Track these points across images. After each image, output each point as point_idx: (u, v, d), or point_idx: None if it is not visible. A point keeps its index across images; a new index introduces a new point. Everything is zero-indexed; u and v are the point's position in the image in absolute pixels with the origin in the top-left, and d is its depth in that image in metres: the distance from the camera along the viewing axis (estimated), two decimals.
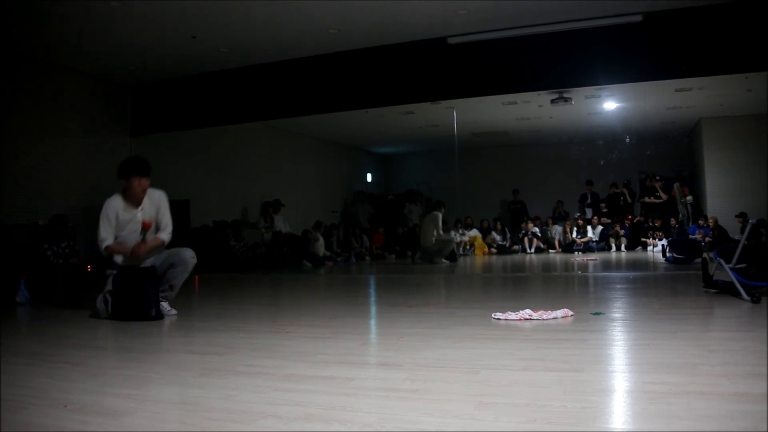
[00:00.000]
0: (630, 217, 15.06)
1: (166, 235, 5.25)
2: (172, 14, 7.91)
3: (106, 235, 5.07)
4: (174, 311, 5.11)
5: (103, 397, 2.51)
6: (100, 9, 7.57)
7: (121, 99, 11.07)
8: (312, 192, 15.47)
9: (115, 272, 5.12)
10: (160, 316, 4.81)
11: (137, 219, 5.14)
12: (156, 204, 5.25)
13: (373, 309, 5.55)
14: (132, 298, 4.83)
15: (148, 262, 5.19)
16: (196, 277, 9.55)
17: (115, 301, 4.94)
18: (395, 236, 15.58)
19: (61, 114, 9.80)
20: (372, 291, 7.37)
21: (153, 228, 5.22)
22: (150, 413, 2.29)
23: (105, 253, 5.12)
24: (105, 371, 3.05)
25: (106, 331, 4.47)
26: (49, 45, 8.90)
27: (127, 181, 5.11)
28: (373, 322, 4.68)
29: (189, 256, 5.23)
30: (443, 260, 11.57)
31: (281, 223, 13.06)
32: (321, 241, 13.01)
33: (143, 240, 5.13)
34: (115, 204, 5.13)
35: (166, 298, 5.14)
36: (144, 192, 5.16)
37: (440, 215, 11.56)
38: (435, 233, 11.57)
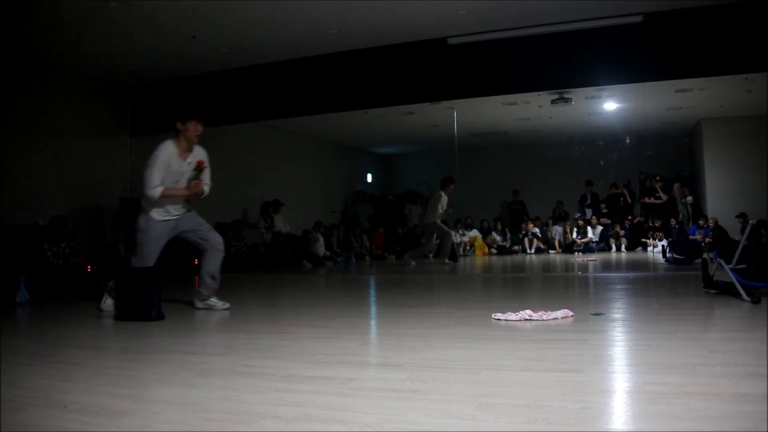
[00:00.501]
0: (630, 217, 15.05)
1: (207, 188, 5.40)
2: (171, 14, 7.91)
3: (158, 181, 5.07)
4: (227, 304, 5.34)
5: (103, 398, 2.52)
6: (100, 9, 7.57)
7: (121, 99, 11.08)
8: (312, 192, 15.46)
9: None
10: (161, 316, 4.81)
11: (183, 170, 5.21)
12: (202, 159, 5.36)
13: (373, 309, 5.55)
14: (133, 299, 4.84)
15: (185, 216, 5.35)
16: (196, 277, 9.53)
17: (117, 302, 4.95)
18: (395, 236, 15.57)
19: (61, 114, 9.80)
20: (372, 291, 7.37)
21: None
22: (150, 414, 2.29)
23: (156, 198, 5.08)
24: (105, 372, 3.05)
25: (106, 332, 4.47)
26: (49, 45, 8.90)
27: (185, 124, 5.17)
28: (373, 323, 4.68)
29: (219, 242, 5.42)
30: (446, 260, 11.49)
31: (281, 224, 13.05)
32: (321, 241, 13.00)
33: (198, 178, 5.24)
34: (169, 150, 5.16)
35: (214, 293, 5.35)
36: (198, 138, 5.26)
37: (444, 195, 11.40)
38: (437, 212, 11.36)
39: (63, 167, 9.70)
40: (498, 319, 4.27)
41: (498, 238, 15.40)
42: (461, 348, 3.40)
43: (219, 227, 11.44)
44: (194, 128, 5.19)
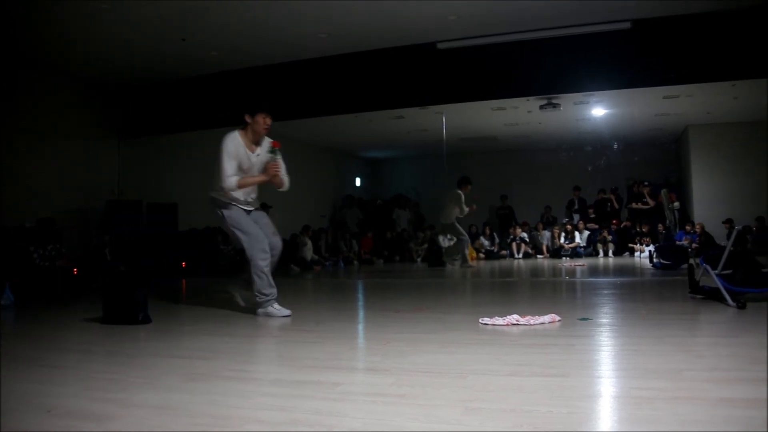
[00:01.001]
0: (615, 222, 15.09)
1: (287, 178, 5.38)
2: (161, 17, 7.88)
3: (233, 171, 5.07)
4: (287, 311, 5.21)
5: (88, 402, 2.50)
6: (89, 11, 7.53)
7: (110, 101, 11.02)
8: (300, 196, 15.40)
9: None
10: (147, 319, 4.78)
11: (252, 162, 5.19)
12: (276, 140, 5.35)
13: (361, 314, 5.55)
14: (120, 302, 4.81)
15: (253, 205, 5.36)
16: (183, 280, 9.51)
17: (104, 305, 4.91)
18: (384, 241, 15.57)
19: (48, 116, 9.73)
20: (360, 296, 7.36)
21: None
22: (135, 418, 2.28)
23: (233, 188, 5.09)
24: (90, 375, 3.03)
25: (92, 335, 4.44)
26: (38, 47, 8.84)
27: (254, 117, 5.17)
28: (360, 327, 4.68)
29: (278, 249, 5.41)
30: (462, 264, 11.42)
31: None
32: (309, 245, 12.97)
33: (274, 161, 5.21)
34: (236, 141, 5.16)
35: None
36: (266, 130, 5.24)
37: (462, 194, 11.30)
38: (457, 211, 11.24)
39: (50, 169, 9.63)
40: (485, 324, 4.27)
41: (486, 242, 15.42)
42: (448, 353, 3.40)
43: (207, 231, 11.42)
44: (263, 121, 5.18)
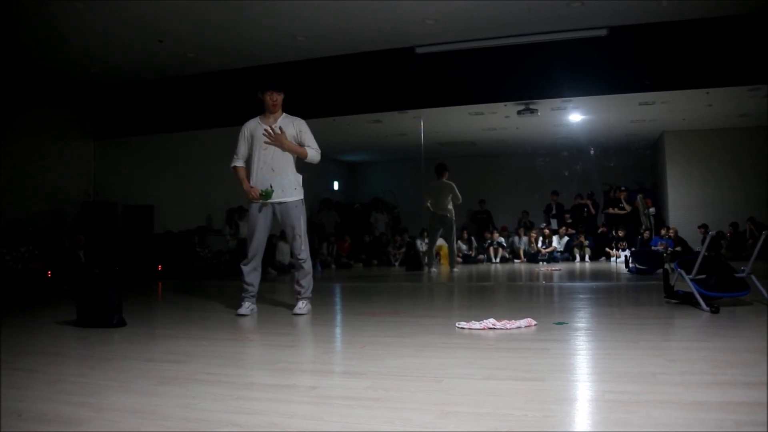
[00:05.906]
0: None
1: (312, 150, 5.52)
2: (138, 17, 7.82)
3: (237, 154, 5.39)
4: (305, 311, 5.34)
5: (59, 406, 2.47)
6: (64, 10, 7.46)
7: (85, 102, 10.91)
8: None
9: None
10: (122, 322, 4.73)
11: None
12: (296, 126, 5.47)
13: (338, 317, 5.53)
14: (94, 305, 4.75)
15: (276, 195, 5.37)
16: (159, 283, 9.43)
17: (78, 308, 4.86)
18: (362, 244, 15.56)
19: (21, 116, 9.62)
20: (337, 299, 7.34)
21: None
22: (107, 422, 2.25)
23: (233, 171, 5.37)
24: (62, 379, 2.99)
25: (65, 338, 4.39)
26: (11, 46, 8.74)
27: (263, 95, 5.39)
28: (336, 331, 4.67)
29: (297, 255, 5.43)
30: (433, 270, 11.38)
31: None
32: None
33: (266, 200, 5.27)
34: (250, 123, 5.41)
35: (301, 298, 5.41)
36: (275, 106, 5.43)
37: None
38: (450, 201, 11.08)
39: (23, 170, 9.52)
40: (462, 328, 4.28)
41: (464, 247, 15.45)
42: (424, 356, 3.40)
43: (184, 233, 11.34)
44: (269, 98, 5.38)
